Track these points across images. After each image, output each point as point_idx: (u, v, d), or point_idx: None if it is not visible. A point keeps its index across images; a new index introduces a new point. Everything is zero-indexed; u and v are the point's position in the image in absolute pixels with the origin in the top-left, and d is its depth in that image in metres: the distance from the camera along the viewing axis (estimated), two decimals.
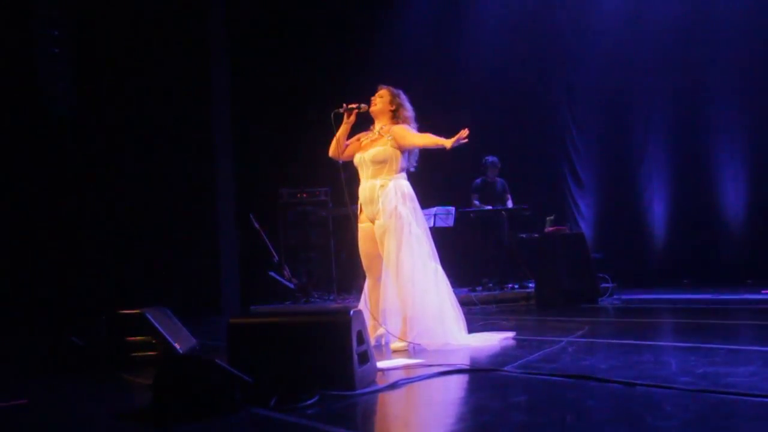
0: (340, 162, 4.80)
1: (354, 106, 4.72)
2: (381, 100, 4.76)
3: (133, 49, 8.62)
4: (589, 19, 9.64)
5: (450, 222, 8.29)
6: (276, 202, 9.16)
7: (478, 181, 8.62)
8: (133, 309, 4.53)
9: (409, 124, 4.75)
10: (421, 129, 4.82)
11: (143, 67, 8.65)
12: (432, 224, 8.06)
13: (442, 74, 9.86)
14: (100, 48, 8.58)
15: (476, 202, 8.50)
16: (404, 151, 4.69)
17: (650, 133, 9.34)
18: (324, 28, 9.82)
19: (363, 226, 4.75)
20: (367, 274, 4.80)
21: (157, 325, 4.45)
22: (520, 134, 9.64)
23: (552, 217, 7.97)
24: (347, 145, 4.79)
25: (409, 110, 4.80)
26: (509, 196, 8.56)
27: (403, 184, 4.67)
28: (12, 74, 8.22)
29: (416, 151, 4.78)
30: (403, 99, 4.80)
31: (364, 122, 4.86)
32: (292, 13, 9.81)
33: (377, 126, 4.79)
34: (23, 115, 8.28)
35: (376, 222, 4.61)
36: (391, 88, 4.81)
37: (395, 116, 4.74)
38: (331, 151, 4.80)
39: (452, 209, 8.32)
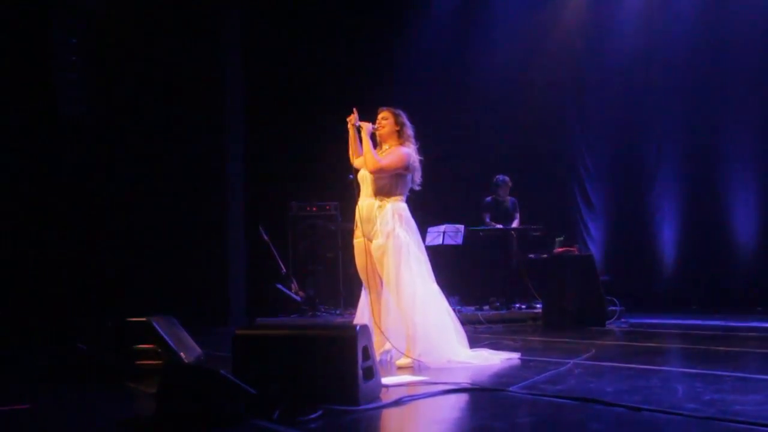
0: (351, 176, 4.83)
1: (368, 124, 4.75)
2: (387, 122, 4.81)
3: (148, 59, 8.68)
4: (603, 42, 9.66)
5: (459, 240, 8.28)
6: (285, 215, 9.18)
7: (488, 199, 8.63)
8: (140, 317, 4.54)
9: (410, 143, 4.77)
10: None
11: (157, 75, 8.70)
12: (441, 242, 8.06)
13: (455, 92, 9.89)
14: (116, 57, 8.65)
15: (487, 220, 8.50)
16: (408, 172, 4.69)
17: (662, 157, 9.32)
18: (337, 41, 9.87)
19: (358, 242, 4.77)
20: (364, 288, 4.81)
21: (163, 334, 4.46)
22: (532, 154, 9.63)
23: (561, 238, 7.95)
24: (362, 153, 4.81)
25: (410, 128, 4.85)
26: (517, 215, 8.55)
27: (401, 207, 4.69)
28: (29, 79, 8.29)
29: (419, 170, 4.77)
30: (405, 118, 4.86)
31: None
32: (307, 24, 9.87)
33: (384, 147, 4.84)
34: (35, 119, 8.33)
35: (374, 242, 4.64)
36: (392, 109, 4.85)
37: (400, 135, 4.79)
38: (369, 164, 4.72)
39: (461, 227, 8.31)
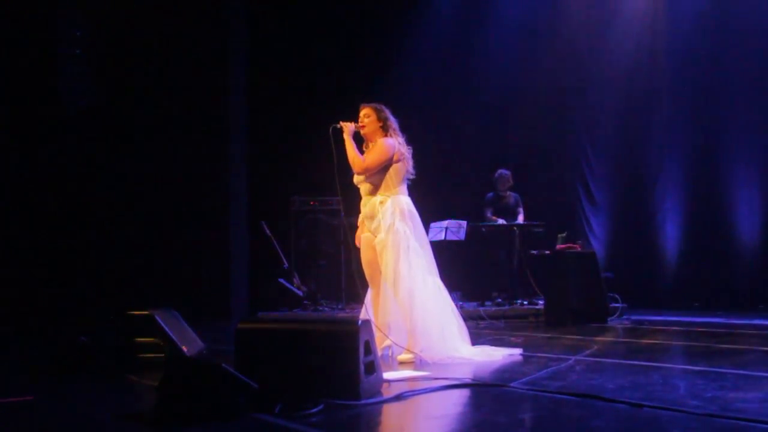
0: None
1: (350, 124, 4.71)
2: (369, 120, 4.75)
3: (152, 53, 8.69)
4: (607, 40, 9.62)
5: (461, 235, 8.27)
6: (288, 210, 9.19)
7: (490, 195, 8.63)
8: (143, 310, 4.55)
9: (396, 135, 4.72)
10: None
11: (162, 70, 8.71)
12: (443, 237, 8.05)
13: (459, 88, 9.87)
14: (120, 50, 8.65)
15: (489, 216, 8.49)
16: (396, 163, 4.66)
17: (665, 154, 9.29)
18: (339, 38, 9.86)
19: (365, 236, 4.78)
20: (369, 284, 4.81)
21: (165, 327, 4.45)
22: (535, 150, 9.62)
23: (564, 234, 7.93)
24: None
25: (394, 122, 4.77)
26: (521, 210, 8.54)
27: (402, 200, 4.67)
28: (33, 72, 8.29)
29: (409, 159, 4.73)
30: (387, 112, 4.79)
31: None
32: (310, 22, 9.86)
33: (370, 145, 4.79)
34: (37, 113, 8.34)
35: (377, 237, 4.64)
36: (373, 105, 4.79)
37: (384, 130, 4.73)
38: (355, 166, 4.68)
39: (464, 223, 8.31)
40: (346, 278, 8.75)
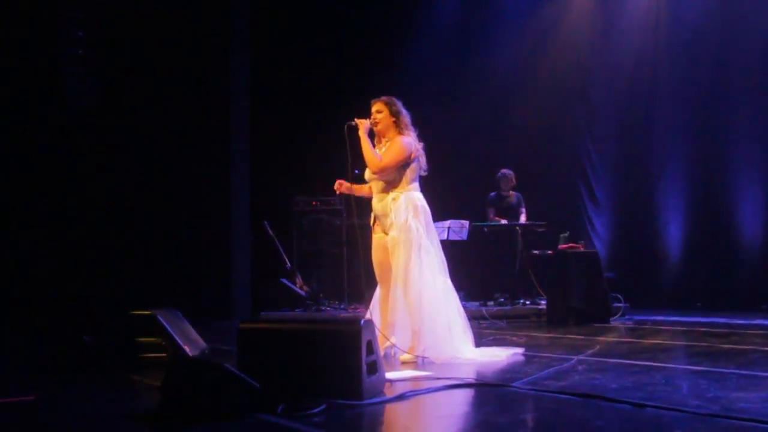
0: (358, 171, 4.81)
1: (365, 121, 4.70)
2: (381, 116, 4.71)
3: (154, 53, 8.69)
4: (609, 39, 9.62)
5: (464, 235, 8.27)
6: (290, 210, 9.19)
7: (492, 194, 8.62)
8: (145, 310, 4.55)
9: (408, 130, 4.70)
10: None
11: (164, 69, 8.71)
12: (445, 237, 8.04)
13: (461, 89, 9.87)
14: (122, 50, 8.66)
15: (491, 216, 8.49)
16: (412, 161, 4.66)
17: (668, 154, 9.28)
18: (342, 37, 9.87)
19: (377, 236, 4.77)
20: (379, 284, 4.81)
21: (167, 327, 4.47)
22: (537, 150, 9.61)
23: (566, 234, 7.93)
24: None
25: (406, 116, 4.75)
26: (523, 209, 8.53)
27: (415, 197, 4.66)
28: (36, 73, 8.30)
29: (423, 155, 4.73)
30: (399, 105, 4.75)
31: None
32: (313, 21, 9.87)
33: (384, 141, 4.78)
34: (39, 113, 8.35)
35: (389, 234, 4.62)
36: (384, 99, 4.76)
37: (397, 125, 4.71)
38: (372, 165, 4.65)
39: (466, 223, 8.31)
40: (349, 278, 8.75)
